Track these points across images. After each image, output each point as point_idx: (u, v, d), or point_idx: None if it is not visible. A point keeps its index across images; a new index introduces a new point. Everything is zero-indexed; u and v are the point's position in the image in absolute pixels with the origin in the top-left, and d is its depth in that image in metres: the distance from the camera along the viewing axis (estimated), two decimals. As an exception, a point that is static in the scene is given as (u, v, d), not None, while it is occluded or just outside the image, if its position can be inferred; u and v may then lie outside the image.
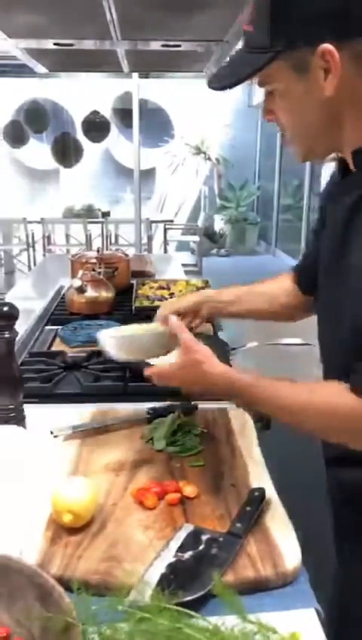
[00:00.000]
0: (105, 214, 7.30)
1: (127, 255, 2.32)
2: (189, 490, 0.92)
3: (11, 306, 1.10)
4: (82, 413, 1.22)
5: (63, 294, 2.19)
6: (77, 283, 1.91)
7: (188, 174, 8.91)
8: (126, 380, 1.39)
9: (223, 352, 1.48)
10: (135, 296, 2.07)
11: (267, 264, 7.95)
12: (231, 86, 0.83)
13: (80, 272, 1.95)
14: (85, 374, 1.43)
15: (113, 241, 7.56)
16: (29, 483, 0.99)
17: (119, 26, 1.70)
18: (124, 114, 7.59)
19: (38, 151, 8.36)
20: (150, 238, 7.23)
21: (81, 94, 8.07)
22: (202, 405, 1.25)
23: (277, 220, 8.33)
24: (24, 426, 1.16)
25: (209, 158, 8.74)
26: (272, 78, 0.82)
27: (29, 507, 0.90)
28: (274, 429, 1.39)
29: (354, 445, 0.82)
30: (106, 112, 8.10)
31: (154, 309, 1.97)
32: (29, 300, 2.35)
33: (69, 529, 0.83)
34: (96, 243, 7.65)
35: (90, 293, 1.93)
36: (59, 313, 1.98)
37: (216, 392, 0.94)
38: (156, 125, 8.40)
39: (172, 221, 7.43)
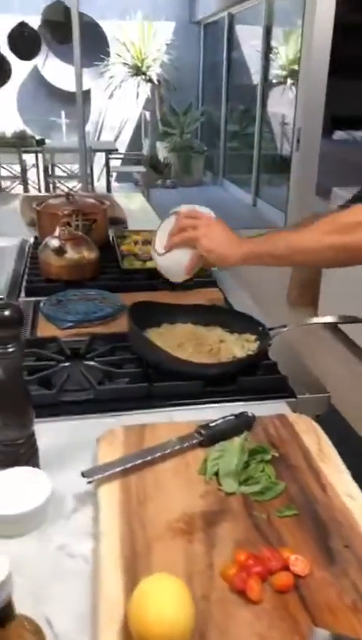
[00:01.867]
0: (41, 142, 6.65)
1: (103, 202, 1.97)
2: (299, 565, 0.68)
3: (14, 309, 0.78)
4: (110, 434, 0.94)
5: (32, 253, 1.84)
6: (54, 243, 1.57)
7: (127, 97, 8.25)
8: (150, 378, 1.11)
9: (260, 335, 1.22)
10: (121, 256, 1.75)
11: (217, 196, 7.60)
12: None
13: (57, 230, 1.60)
14: (92, 370, 1.14)
15: (50, 172, 6.97)
16: (67, 564, 0.72)
17: None
18: (55, 27, 6.78)
19: None
20: (91, 170, 6.70)
21: (6, 2, 7.14)
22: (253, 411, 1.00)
23: (225, 148, 7.92)
24: (37, 464, 0.87)
25: (149, 80, 8.09)
26: None
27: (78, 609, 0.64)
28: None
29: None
30: (35, 25, 7.23)
31: (148, 271, 1.68)
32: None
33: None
34: (31, 175, 7.04)
35: (72, 254, 1.59)
36: (34, 280, 1.64)
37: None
38: (90, 42, 7.57)
39: (116, 150, 6.89)
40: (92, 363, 1.17)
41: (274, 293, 1.17)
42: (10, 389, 0.81)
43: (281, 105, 7.07)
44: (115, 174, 7.75)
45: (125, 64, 7.99)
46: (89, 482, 0.81)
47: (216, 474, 0.84)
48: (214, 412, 1.04)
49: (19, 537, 0.76)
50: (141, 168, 7.15)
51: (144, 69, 8.02)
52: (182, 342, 1.19)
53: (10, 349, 0.78)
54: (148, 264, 1.70)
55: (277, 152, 7.16)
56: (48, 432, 0.96)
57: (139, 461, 0.84)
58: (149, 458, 0.85)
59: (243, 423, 0.94)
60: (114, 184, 7.43)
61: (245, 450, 0.85)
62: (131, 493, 0.81)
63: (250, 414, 0.96)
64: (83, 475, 0.82)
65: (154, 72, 8.08)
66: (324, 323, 1.27)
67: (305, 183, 5.19)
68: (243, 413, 0.96)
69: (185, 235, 1.08)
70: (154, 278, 1.61)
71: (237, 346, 1.20)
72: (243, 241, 1.04)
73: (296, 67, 6.96)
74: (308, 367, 1.22)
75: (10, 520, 0.75)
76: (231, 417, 0.94)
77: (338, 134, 7.52)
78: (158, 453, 0.86)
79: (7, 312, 0.77)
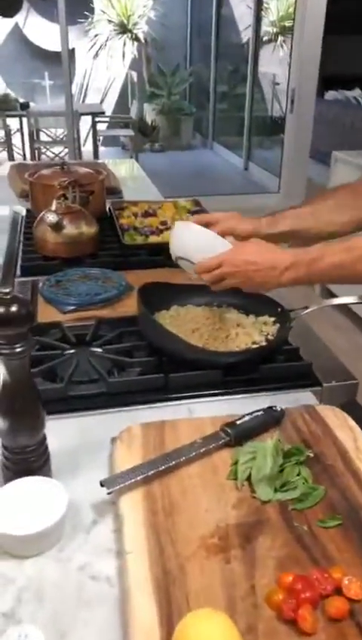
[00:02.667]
0: (25, 106, 6.38)
1: (99, 172, 1.85)
2: (354, 588, 0.61)
3: (22, 304, 0.69)
4: (127, 433, 0.86)
5: (26, 228, 1.73)
6: (52, 218, 1.46)
7: (113, 57, 7.93)
8: (165, 368, 1.02)
9: (279, 317, 1.13)
10: (121, 230, 1.64)
11: (207, 160, 7.39)
12: None
13: (54, 203, 1.49)
14: (101, 359, 1.05)
15: (35, 137, 6.72)
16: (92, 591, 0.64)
17: None
18: (36, -18, 6.45)
19: None
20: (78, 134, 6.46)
21: None
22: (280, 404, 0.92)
23: (215, 110, 7.67)
24: (49, 472, 0.79)
25: (136, 38, 7.77)
26: None
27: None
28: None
29: None
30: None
31: (151, 247, 1.57)
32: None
33: None
34: (16, 140, 6.80)
35: (70, 230, 1.49)
36: (30, 258, 1.53)
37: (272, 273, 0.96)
38: (73, -3, 7.25)
39: (103, 112, 6.64)
40: (100, 351, 1.08)
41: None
42: (19, 392, 0.72)
43: (272, 64, 6.83)
44: (101, 138, 7.50)
45: (110, 21, 7.66)
46: (109, 493, 0.73)
47: (248, 479, 0.77)
48: (236, 404, 0.96)
49: (36, 557, 0.69)
50: (129, 132, 6.92)
51: (130, 26, 7.69)
52: (197, 327, 1.11)
53: (18, 349, 0.69)
54: (151, 239, 1.60)
55: (269, 113, 6.95)
56: (57, 432, 0.87)
57: (163, 467, 0.77)
58: (173, 463, 0.78)
59: (271, 419, 0.86)
60: (101, 149, 7.20)
61: (279, 452, 0.78)
62: (156, 504, 0.73)
63: (278, 409, 0.89)
64: (102, 484, 0.74)
65: (140, 29, 7.76)
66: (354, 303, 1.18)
67: (299, 146, 5.03)
68: (272, 407, 0.88)
69: (220, 287, 1.02)
70: (157, 254, 1.51)
71: (256, 330, 1.11)
72: (283, 271, 0.95)
73: (286, 24, 6.71)
74: (330, 350, 1.15)
75: (26, 539, 0.67)
76: (259, 413, 0.87)
77: (331, 94, 7.31)
78: (183, 458, 0.79)
79: (14, 308, 0.67)
